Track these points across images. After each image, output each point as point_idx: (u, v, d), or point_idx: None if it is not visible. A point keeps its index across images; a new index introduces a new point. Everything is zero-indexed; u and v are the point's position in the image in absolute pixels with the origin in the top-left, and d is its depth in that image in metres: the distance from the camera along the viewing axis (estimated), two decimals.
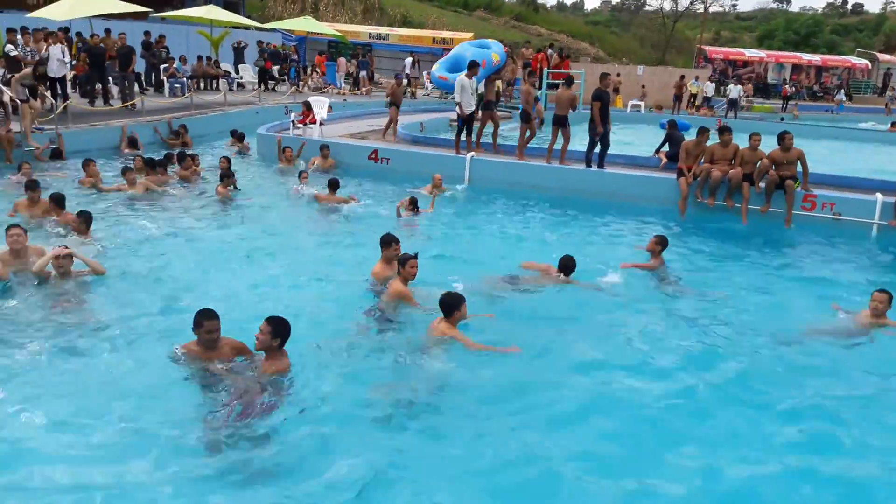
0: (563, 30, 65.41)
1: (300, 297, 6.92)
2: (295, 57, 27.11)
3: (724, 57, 46.67)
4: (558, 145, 13.21)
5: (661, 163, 13.08)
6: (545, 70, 23.39)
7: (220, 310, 5.11)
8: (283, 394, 4.82)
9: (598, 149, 12.55)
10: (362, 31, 36.20)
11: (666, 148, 13.47)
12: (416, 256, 6.51)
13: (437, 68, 18.80)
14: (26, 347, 5.46)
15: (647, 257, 8.25)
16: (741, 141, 11.26)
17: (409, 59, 29.36)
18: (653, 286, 7.80)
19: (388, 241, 7.04)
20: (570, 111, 12.90)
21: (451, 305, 5.70)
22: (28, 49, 15.64)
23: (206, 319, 4.93)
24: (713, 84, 32.56)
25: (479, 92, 14.26)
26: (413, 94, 27.69)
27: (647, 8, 77.33)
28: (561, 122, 12.83)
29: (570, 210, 11.44)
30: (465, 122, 13.52)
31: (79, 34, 17.88)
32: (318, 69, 27.84)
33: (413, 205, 10.08)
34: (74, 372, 5.22)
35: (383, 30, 37.11)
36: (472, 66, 13.52)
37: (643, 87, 29.91)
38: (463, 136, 13.75)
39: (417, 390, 5.20)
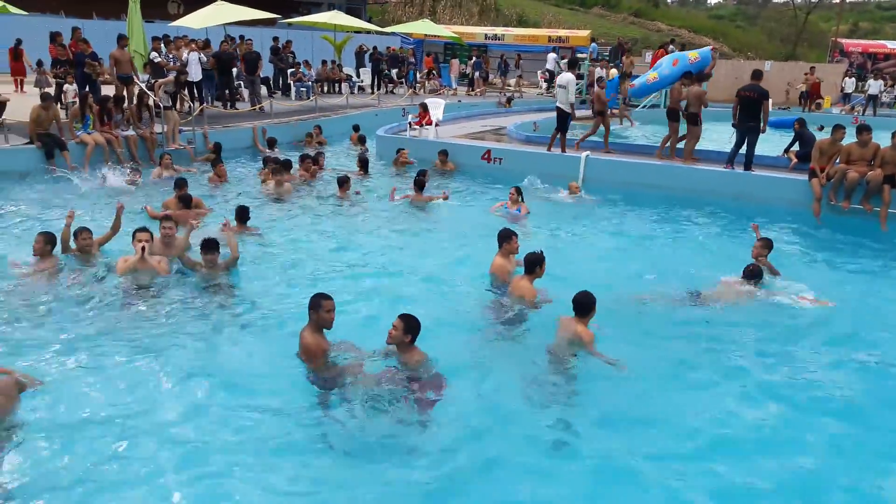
0: (685, 25, 63.04)
1: (421, 293, 7.12)
2: (413, 60, 27.68)
3: (863, 50, 43.38)
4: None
5: (791, 163, 12.37)
6: None
7: (342, 308, 5.39)
8: (425, 385, 5.07)
9: (730, 147, 12.11)
10: (478, 31, 36.45)
11: (796, 147, 12.72)
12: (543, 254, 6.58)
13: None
14: (179, 334, 5.98)
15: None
16: (883, 140, 10.47)
17: (552, 55, 28.89)
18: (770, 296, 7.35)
19: (508, 236, 7.09)
20: (703, 107, 12.52)
21: (586, 305, 5.67)
22: (170, 56, 16.92)
23: (325, 300, 5.13)
24: (852, 80, 30.32)
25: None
26: (521, 93, 27.66)
27: None
28: (692, 120, 12.46)
29: (691, 212, 11.05)
30: (562, 119, 13.20)
31: (207, 41, 19.06)
32: (434, 71, 28.29)
33: (519, 193, 10.32)
34: (223, 360, 5.66)
35: (499, 30, 37.19)
36: (573, 65, 13.56)
37: (788, 84, 28.36)
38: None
39: (550, 388, 5.32)
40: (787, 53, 55.96)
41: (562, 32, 36.00)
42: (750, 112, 11.36)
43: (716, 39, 59.50)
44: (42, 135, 11.81)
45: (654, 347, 6.11)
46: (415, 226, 9.99)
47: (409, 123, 15.64)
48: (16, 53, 19.78)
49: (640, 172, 12.56)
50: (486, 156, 13.90)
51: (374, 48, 26.79)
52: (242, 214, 8.75)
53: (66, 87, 15.20)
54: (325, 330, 5.18)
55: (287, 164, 11.99)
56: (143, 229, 7.09)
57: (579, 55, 25.09)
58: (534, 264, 6.45)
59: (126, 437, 4.51)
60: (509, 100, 23.95)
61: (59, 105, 13.91)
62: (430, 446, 4.54)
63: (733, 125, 11.86)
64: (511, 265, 6.97)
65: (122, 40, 14.51)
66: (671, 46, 24.37)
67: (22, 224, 9.00)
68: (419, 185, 10.97)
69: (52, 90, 14.37)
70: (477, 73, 28.40)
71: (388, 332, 5.12)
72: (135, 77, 14.78)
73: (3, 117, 12.66)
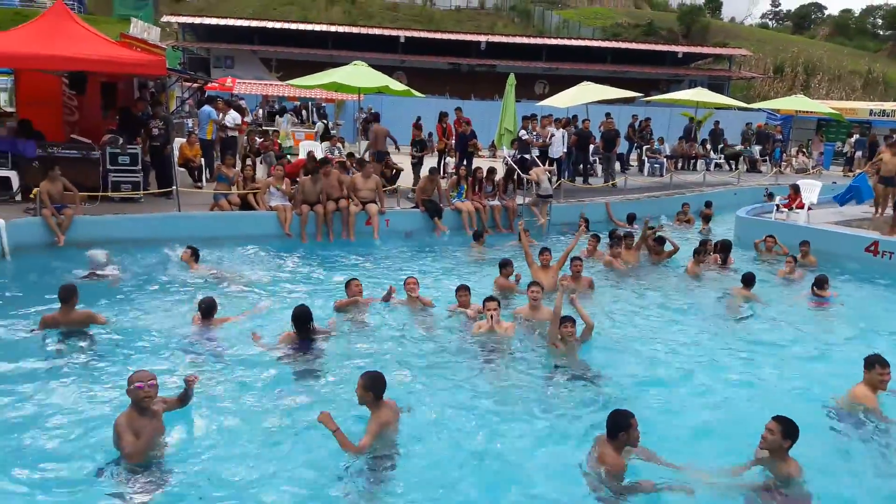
0: None
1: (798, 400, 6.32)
2: (779, 137, 25.71)
3: None
4: None
5: None
6: None
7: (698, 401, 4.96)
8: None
9: None
10: (860, 107, 32.47)
11: None
12: None
13: None
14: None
15: None
16: None
17: None
18: None
19: (874, 363, 5.87)
20: None
21: None
22: (535, 133, 18.12)
23: (633, 418, 4.76)
24: None
25: None
26: None
27: None
28: None
29: None
30: None
31: (567, 119, 19.85)
32: (804, 149, 25.88)
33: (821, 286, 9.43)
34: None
35: (888, 105, 32.64)
36: None
37: None
38: None
39: None
40: None
41: None
42: None
43: None
44: (426, 201, 13.46)
45: None
46: (752, 317, 9.04)
47: (777, 206, 14.33)
48: (416, 126, 24.37)
49: None
50: (871, 248, 12.02)
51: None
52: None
53: (447, 159, 17.27)
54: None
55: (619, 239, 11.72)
56: (492, 298, 7.63)
57: None
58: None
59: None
60: None
61: (440, 175, 15.80)
62: None
63: None
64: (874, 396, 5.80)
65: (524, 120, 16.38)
66: None
67: (401, 273, 10.23)
68: (747, 281, 9.73)
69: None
70: (859, 153, 25.20)
71: (762, 436, 4.61)
72: (503, 152, 16.16)
73: (398, 184, 14.81)
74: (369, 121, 26.41)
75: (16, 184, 11.64)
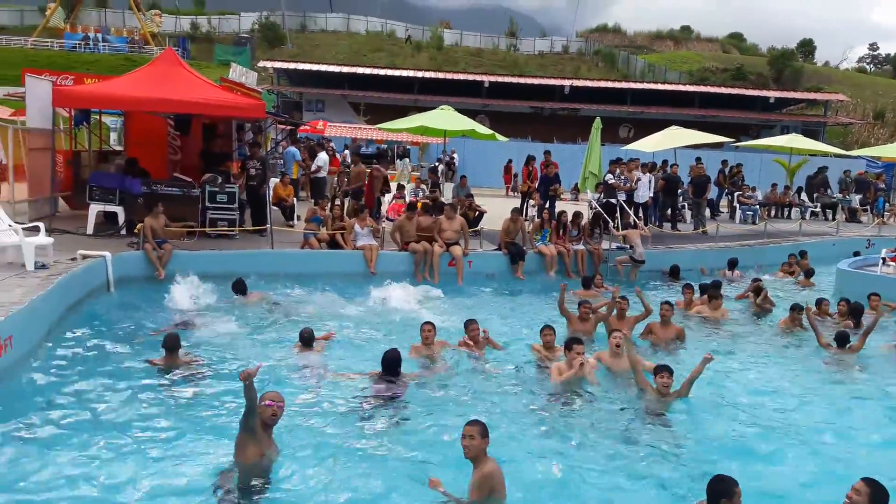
0: None
1: None
2: (882, 185, 24.43)
3: None
4: None
5: None
6: None
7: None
8: None
9: None
10: None
11: None
12: None
13: None
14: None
15: None
16: None
17: None
18: None
19: None
20: None
21: None
22: (622, 177, 17.85)
23: (738, 486, 4.32)
24: None
25: None
26: None
27: None
28: None
29: None
30: None
31: (654, 163, 19.42)
32: None
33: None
34: None
35: None
36: None
37: None
38: None
39: None
40: None
41: None
42: None
43: None
44: (509, 243, 13.39)
45: None
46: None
47: (884, 259, 13.49)
48: (506, 169, 27.57)
49: None
50: None
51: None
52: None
53: (529, 201, 17.23)
54: None
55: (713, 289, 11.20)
56: (578, 341, 7.46)
57: None
58: None
59: None
60: None
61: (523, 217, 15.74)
62: None
63: None
64: None
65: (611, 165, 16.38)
66: None
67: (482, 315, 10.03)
68: (841, 338, 9.10)
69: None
70: None
71: (847, 496, 4.21)
72: (587, 195, 15.98)
73: (481, 226, 14.82)
74: (451, 164, 26.82)
75: (121, 219, 12.30)
